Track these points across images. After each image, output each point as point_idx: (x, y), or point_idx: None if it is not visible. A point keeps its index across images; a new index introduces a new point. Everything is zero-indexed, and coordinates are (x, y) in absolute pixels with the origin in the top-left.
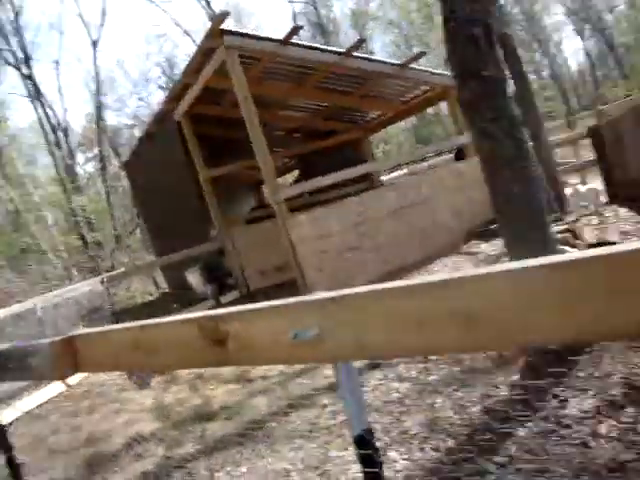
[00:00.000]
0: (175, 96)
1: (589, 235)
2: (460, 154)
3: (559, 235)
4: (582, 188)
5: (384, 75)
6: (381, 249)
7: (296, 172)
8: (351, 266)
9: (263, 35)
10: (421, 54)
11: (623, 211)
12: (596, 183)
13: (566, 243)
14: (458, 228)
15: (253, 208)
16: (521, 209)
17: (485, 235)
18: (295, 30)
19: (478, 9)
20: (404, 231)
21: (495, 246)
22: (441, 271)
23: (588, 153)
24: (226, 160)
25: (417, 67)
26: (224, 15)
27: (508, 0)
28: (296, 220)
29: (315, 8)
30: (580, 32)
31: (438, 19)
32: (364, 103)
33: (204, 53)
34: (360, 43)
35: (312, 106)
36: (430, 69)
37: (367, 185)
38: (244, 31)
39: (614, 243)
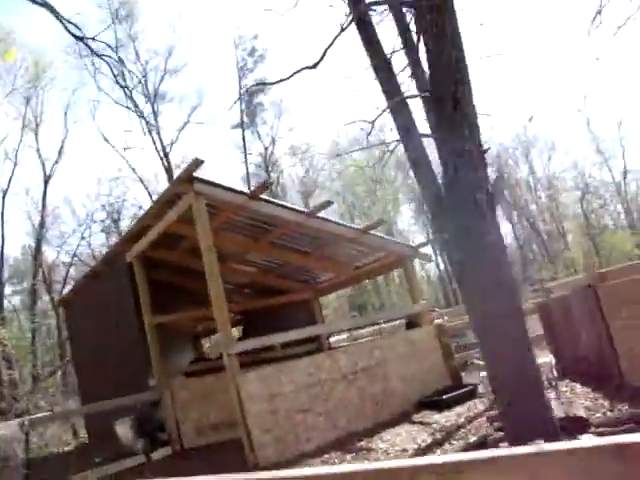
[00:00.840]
0: (131, 237)
1: (557, 409)
2: (411, 323)
3: None
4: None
5: (343, 238)
6: (331, 413)
7: (238, 328)
8: (300, 429)
9: (232, 187)
10: (380, 221)
11: (578, 386)
12: (549, 357)
13: None
14: (409, 396)
15: (193, 360)
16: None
17: (437, 405)
18: (265, 186)
19: (482, 176)
20: (355, 396)
21: (448, 417)
22: (391, 440)
23: (534, 326)
24: (172, 308)
25: (375, 233)
26: (198, 163)
27: None
28: (246, 377)
29: (267, 172)
30: (509, 217)
31: (381, 193)
32: (318, 264)
33: (169, 198)
34: (327, 205)
35: (265, 262)
36: (387, 237)
37: (314, 347)
38: (214, 180)
39: (582, 418)
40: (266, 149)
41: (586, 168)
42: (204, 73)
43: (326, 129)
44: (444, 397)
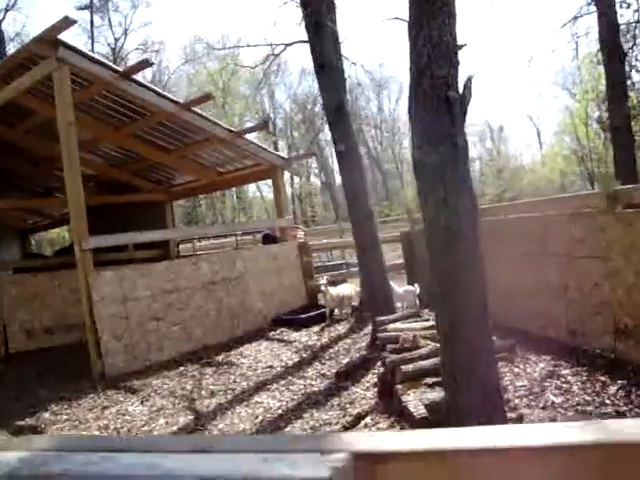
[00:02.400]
0: None
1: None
2: (268, 238)
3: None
4: (399, 289)
5: (215, 139)
6: (187, 323)
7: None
8: (153, 338)
9: (103, 60)
10: (265, 124)
11: None
12: (414, 286)
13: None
14: (265, 313)
15: (27, 254)
16: (466, 292)
17: (294, 324)
18: (145, 64)
19: (452, 73)
20: (213, 307)
21: (307, 336)
22: (253, 356)
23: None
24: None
25: (250, 139)
26: (68, 22)
27: None
28: (101, 277)
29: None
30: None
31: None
32: (179, 165)
33: (20, 62)
34: (206, 99)
35: (118, 155)
36: (261, 144)
37: (162, 253)
38: (82, 49)
39: None
40: (116, 40)
41: None
42: None
43: (184, 30)
44: (302, 316)
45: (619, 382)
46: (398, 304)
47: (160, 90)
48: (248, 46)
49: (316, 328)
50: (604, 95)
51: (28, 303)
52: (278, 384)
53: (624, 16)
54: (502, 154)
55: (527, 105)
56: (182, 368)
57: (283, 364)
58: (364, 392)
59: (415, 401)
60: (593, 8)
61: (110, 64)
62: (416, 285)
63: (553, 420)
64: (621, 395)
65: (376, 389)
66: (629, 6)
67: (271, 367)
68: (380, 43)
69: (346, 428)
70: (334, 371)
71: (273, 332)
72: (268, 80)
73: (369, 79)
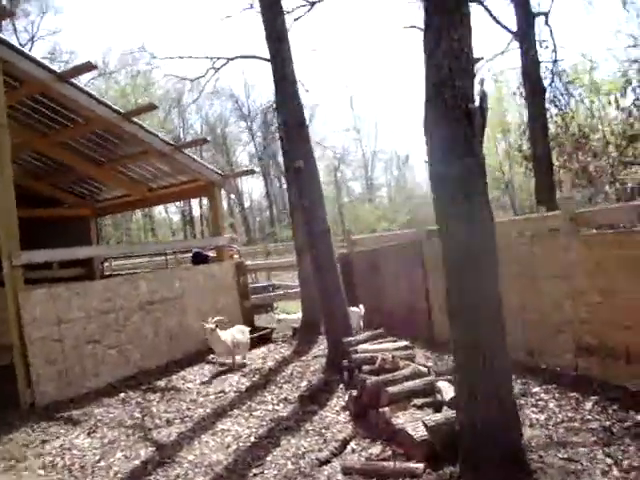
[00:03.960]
0: None
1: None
2: (199, 257)
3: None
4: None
5: (154, 152)
6: (125, 346)
7: None
8: (89, 363)
9: (40, 60)
10: (205, 140)
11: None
12: (359, 307)
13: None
14: (203, 334)
15: None
16: (487, 307)
17: None
18: (88, 66)
19: (469, 85)
20: (151, 329)
21: (251, 359)
22: (198, 380)
23: None
24: None
25: (188, 153)
26: (7, 13)
27: None
28: (33, 296)
29: None
30: (265, 175)
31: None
32: (109, 178)
33: None
34: (151, 108)
35: (39, 164)
36: (199, 159)
37: (83, 271)
38: (18, 46)
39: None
40: (22, 46)
41: (343, 141)
42: None
43: (98, 39)
44: None
45: (592, 398)
46: None
47: (99, 96)
48: (190, 57)
49: (258, 351)
50: (524, 127)
51: None
52: (239, 410)
53: (542, 55)
54: (408, 181)
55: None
56: (123, 395)
57: (235, 389)
58: (335, 416)
59: (411, 423)
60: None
61: (47, 64)
62: (361, 306)
63: (549, 438)
64: (598, 410)
65: (347, 412)
66: (547, 47)
67: (223, 392)
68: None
69: (334, 455)
70: (296, 395)
71: (212, 354)
72: (200, 95)
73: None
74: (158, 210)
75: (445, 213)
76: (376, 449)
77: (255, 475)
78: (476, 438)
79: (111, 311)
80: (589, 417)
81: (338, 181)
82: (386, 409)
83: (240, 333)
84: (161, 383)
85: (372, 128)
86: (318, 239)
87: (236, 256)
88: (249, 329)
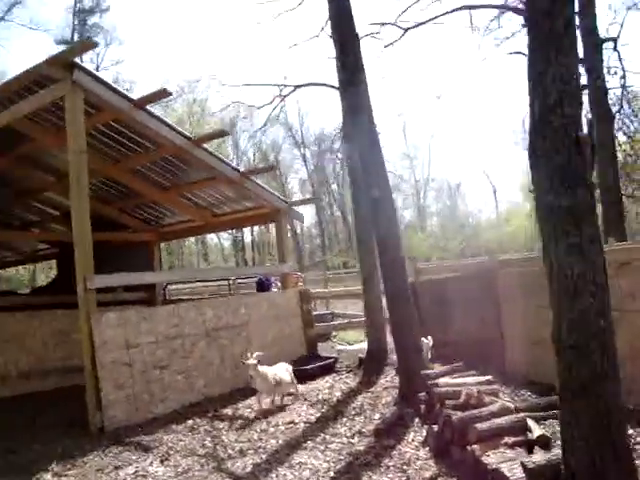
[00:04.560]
0: None
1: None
2: (262, 284)
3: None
4: None
5: (223, 179)
6: (191, 373)
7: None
8: (156, 388)
9: (117, 87)
10: (272, 167)
11: None
12: (427, 339)
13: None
14: (267, 362)
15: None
16: (600, 343)
17: (299, 376)
18: (163, 94)
19: (578, 112)
20: (216, 356)
21: (317, 389)
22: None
23: None
24: None
25: (255, 180)
26: (88, 45)
27: None
28: (104, 319)
29: None
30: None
31: None
32: (174, 204)
33: (26, 84)
34: (222, 134)
35: (109, 189)
36: (266, 186)
37: (148, 296)
38: (97, 73)
39: None
40: None
41: (395, 168)
42: None
43: (157, 70)
44: (308, 367)
45: None
46: None
47: (172, 123)
48: (257, 85)
49: (322, 381)
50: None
51: (4, 345)
52: (313, 442)
53: (609, 82)
54: (460, 210)
55: (483, 163)
56: (191, 422)
57: (304, 419)
58: (414, 452)
59: (506, 463)
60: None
61: (124, 92)
62: (429, 338)
63: None
64: None
65: (427, 448)
66: (616, 73)
67: (293, 422)
68: None
69: None
70: (370, 428)
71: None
72: (272, 122)
73: None
74: (210, 236)
75: (553, 245)
76: None
77: None
78: None
79: (178, 337)
80: None
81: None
82: (475, 447)
83: (284, 371)
84: (228, 411)
85: (425, 155)
86: (393, 269)
87: (300, 283)
88: (290, 366)
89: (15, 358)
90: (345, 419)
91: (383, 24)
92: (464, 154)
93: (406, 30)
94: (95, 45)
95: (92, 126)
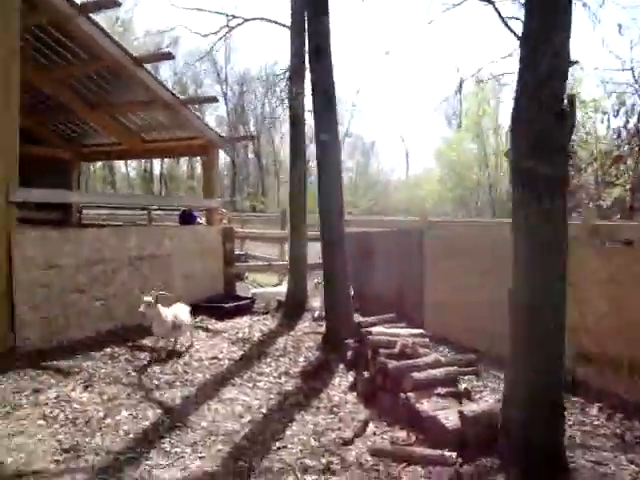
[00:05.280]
0: None
1: None
2: (186, 219)
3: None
4: None
5: (160, 103)
6: (110, 300)
7: None
8: (72, 313)
9: None
10: (214, 98)
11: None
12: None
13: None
14: (186, 297)
15: None
16: (557, 305)
17: (215, 311)
18: (111, 2)
19: (563, 87)
20: (137, 285)
21: (236, 327)
22: (184, 345)
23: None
24: None
25: (193, 110)
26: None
27: None
28: (26, 236)
29: None
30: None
31: None
32: (101, 123)
33: None
34: (167, 57)
35: (33, 100)
36: (201, 118)
37: (63, 216)
38: None
39: None
40: None
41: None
42: None
43: None
44: (227, 305)
45: (595, 405)
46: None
47: (115, 37)
48: (201, 10)
49: (240, 320)
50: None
51: None
52: (241, 379)
53: None
54: (372, 168)
55: (400, 125)
56: (109, 350)
57: (228, 356)
58: (343, 395)
59: (442, 411)
60: None
61: None
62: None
63: (570, 439)
64: (605, 418)
65: (355, 393)
66: None
67: (216, 358)
68: None
69: (357, 436)
70: (296, 370)
71: (194, 319)
72: (210, 53)
73: None
74: (118, 163)
75: (526, 209)
76: (401, 434)
77: (279, 449)
78: (525, 434)
79: (100, 262)
80: (597, 422)
81: None
82: (410, 394)
83: (185, 313)
84: (146, 342)
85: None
86: (332, 216)
87: (224, 221)
88: (188, 307)
89: None
90: (269, 359)
91: None
92: (383, 113)
93: None
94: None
95: (25, 26)
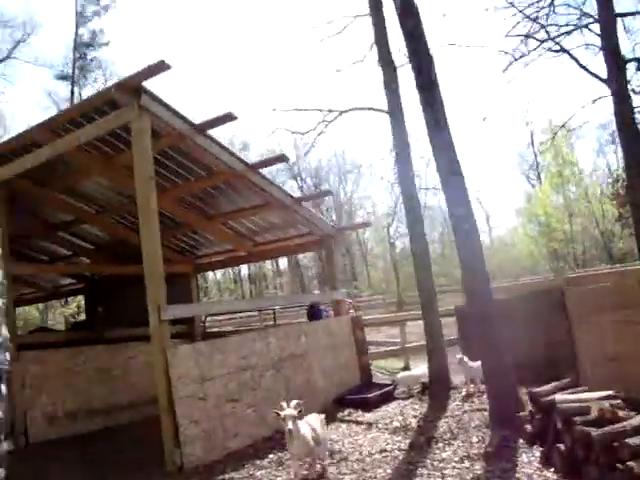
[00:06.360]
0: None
1: None
2: (315, 313)
3: None
4: (474, 364)
5: (277, 204)
6: (259, 406)
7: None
8: (229, 422)
9: (179, 111)
10: (328, 192)
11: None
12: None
13: None
14: (327, 392)
15: (33, 330)
16: None
17: (361, 404)
18: (228, 118)
19: None
20: (282, 387)
21: (387, 417)
22: (341, 440)
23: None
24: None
25: (306, 206)
26: (162, 67)
27: None
28: (180, 352)
29: None
30: None
31: None
32: (218, 232)
33: (84, 110)
34: (282, 159)
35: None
36: (313, 212)
37: (187, 329)
38: (160, 97)
39: None
40: None
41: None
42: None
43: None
44: (370, 395)
45: None
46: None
47: (229, 148)
48: (305, 110)
49: (388, 408)
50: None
51: (49, 383)
52: (425, 468)
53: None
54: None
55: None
56: (272, 456)
57: (396, 447)
58: (539, 472)
59: None
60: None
61: (186, 116)
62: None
63: None
64: None
65: (553, 469)
66: None
67: (385, 451)
68: None
69: None
70: (474, 452)
71: (341, 413)
72: (311, 149)
73: None
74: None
75: None
76: None
77: None
78: None
79: (248, 368)
80: None
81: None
82: (632, 464)
83: (319, 425)
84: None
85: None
86: (482, 294)
87: (351, 310)
88: (322, 416)
89: (62, 397)
90: (441, 444)
91: None
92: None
93: None
94: (168, 67)
95: (156, 152)
